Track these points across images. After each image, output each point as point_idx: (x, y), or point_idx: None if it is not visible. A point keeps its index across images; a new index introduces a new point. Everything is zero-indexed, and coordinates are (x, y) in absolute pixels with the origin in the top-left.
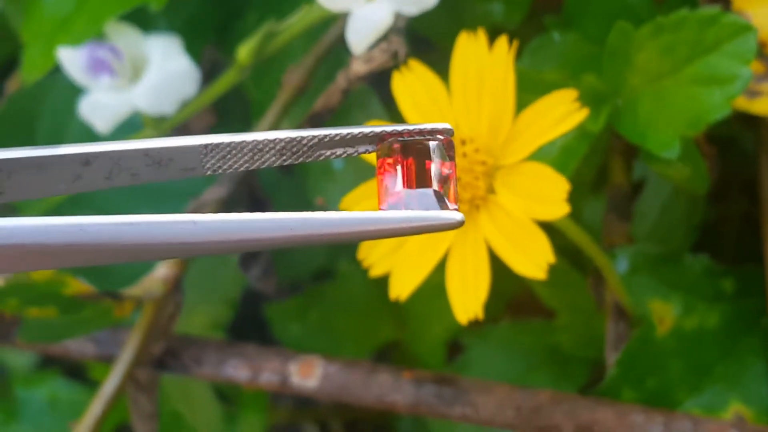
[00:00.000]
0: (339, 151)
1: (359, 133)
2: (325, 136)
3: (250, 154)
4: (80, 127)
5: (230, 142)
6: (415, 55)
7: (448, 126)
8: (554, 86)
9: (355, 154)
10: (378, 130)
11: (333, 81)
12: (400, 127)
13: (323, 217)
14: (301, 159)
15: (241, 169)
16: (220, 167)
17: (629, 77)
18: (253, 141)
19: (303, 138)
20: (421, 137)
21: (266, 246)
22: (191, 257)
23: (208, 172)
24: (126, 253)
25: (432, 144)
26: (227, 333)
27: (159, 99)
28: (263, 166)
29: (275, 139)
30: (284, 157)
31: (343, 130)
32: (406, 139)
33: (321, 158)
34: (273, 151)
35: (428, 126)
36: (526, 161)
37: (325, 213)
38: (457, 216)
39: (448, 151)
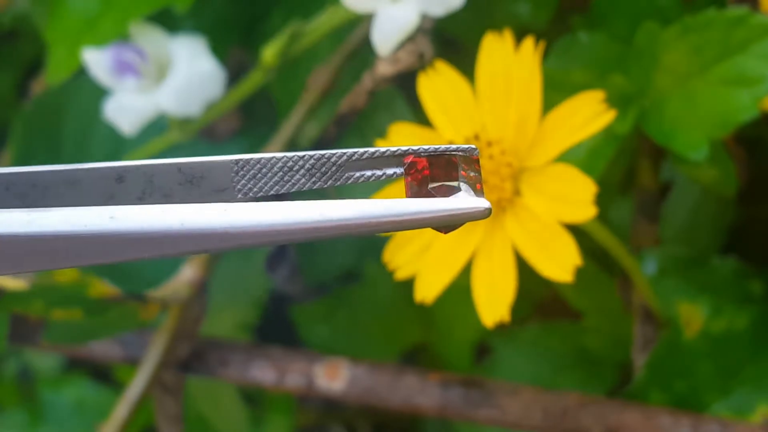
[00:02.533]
0: (368, 173)
1: (386, 151)
2: (353, 153)
3: (281, 173)
4: (106, 128)
5: (260, 159)
6: (442, 55)
7: (473, 147)
8: (581, 87)
9: (383, 177)
10: (405, 149)
11: (359, 82)
12: (426, 147)
13: (353, 204)
14: (330, 182)
15: (272, 191)
16: (251, 189)
17: (657, 78)
18: (282, 158)
19: (332, 155)
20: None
21: (295, 236)
22: (220, 250)
23: (239, 195)
24: (156, 244)
25: (459, 158)
26: (253, 335)
27: (184, 100)
28: (293, 189)
29: (305, 156)
30: (314, 179)
31: (371, 149)
32: (432, 155)
33: (350, 181)
34: (302, 171)
35: (453, 147)
36: (553, 163)
37: (354, 201)
38: (485, 203)
39: (475, 166)
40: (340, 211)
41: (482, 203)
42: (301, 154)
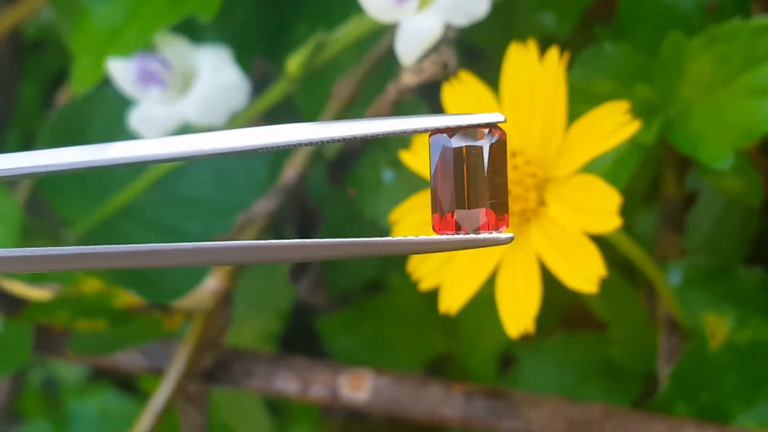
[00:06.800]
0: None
1: (412, 131)
2: (379, 133)
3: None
4: (130, 138)
5: (284, 146)
6: (466, 66)
7: (500, 116)
8: (606, 97)
9: (407, 134)
10: (431, 125)
11: (383, 92)
12: (452, 122)
13: (380, 242)
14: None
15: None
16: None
17: (682, 88)
18: (307, 143)
19: (356, 139)
20: (473, 132)
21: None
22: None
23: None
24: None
25: (485, 149)
26: (278, 345)
27: (208, 111)
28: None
29: (330, 139)
30: (338, 141)
31: (397, 128)
32: (458, 137)
33: (376, 137)
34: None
35: (481, 119)
36: (578, 173)
37: (377, 239)
38: (506, 235)
39: (500, 153)
40: (367, 249)
41: (504, 235)
42: (327, 137)
